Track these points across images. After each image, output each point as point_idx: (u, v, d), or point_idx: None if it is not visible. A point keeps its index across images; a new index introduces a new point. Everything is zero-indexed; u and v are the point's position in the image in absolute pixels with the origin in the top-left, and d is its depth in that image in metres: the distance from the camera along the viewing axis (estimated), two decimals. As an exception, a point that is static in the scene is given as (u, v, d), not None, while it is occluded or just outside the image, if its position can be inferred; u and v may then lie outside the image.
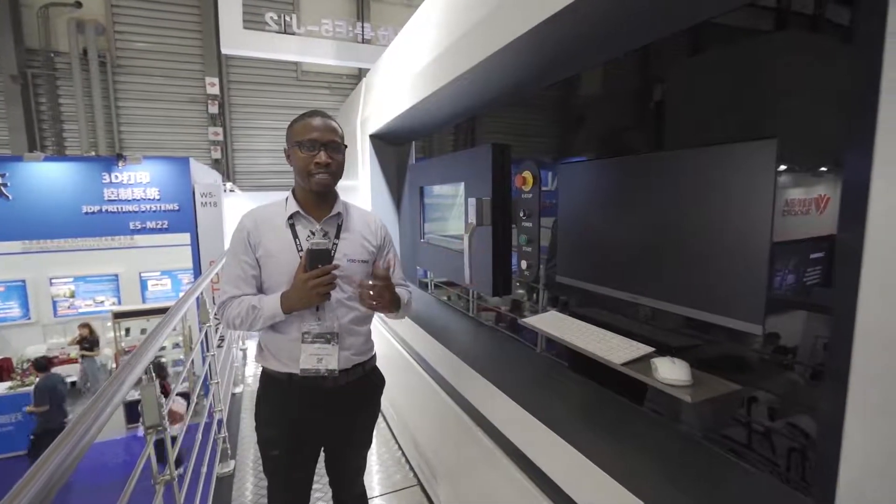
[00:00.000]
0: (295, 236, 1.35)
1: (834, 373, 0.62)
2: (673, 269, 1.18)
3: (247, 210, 1.42)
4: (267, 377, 1.41)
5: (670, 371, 1.12)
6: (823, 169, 1.11)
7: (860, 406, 0.59)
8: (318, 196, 1.37)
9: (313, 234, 1.35)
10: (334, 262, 1.31)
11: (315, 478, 1.52)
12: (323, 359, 1.33)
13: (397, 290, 1.43)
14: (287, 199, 1.40)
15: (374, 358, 1.52)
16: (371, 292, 1.32)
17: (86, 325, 6.40)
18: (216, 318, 2.57)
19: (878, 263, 0.57)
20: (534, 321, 1.67)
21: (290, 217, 1.37)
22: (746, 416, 1.18)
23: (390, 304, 1.35)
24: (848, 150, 0.60)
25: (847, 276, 0.60)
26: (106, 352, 6.87)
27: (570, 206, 1.62)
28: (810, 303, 1.11)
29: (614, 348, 1.31)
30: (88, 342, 6.32)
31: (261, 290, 1.37)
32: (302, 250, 1.33)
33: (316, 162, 1.30)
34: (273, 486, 1.45)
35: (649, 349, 1.26)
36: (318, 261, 1.27)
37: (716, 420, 1.22)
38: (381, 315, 1.53)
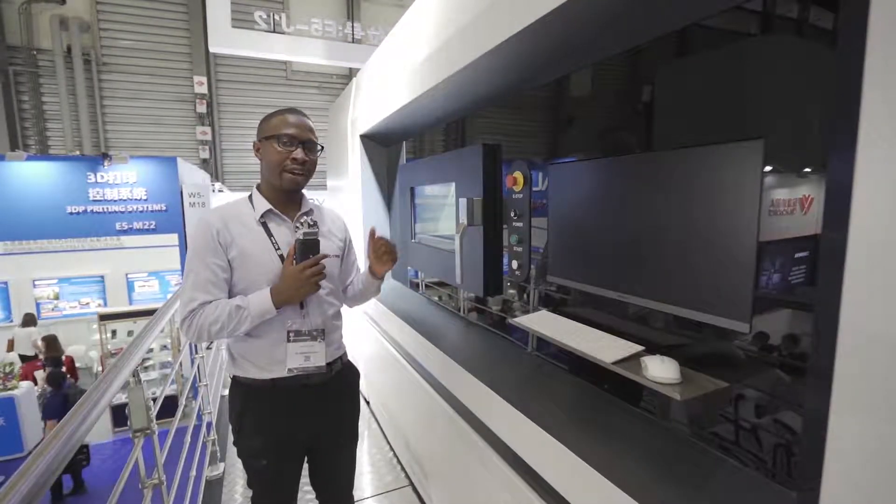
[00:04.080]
0: (269, 235, 1.32)
1: (818, 369, 0.63)
2: (661, 268, 1.19)
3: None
4: (245, 387, 1.33)
5: (660, 369, 1.13)
6: (808, 170, 1.14)
7: (844, 402, 0.61)
8: (287, 194, 1.35)
9: (301, 224, 1.31)
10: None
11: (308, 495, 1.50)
12: (310, 356, 1.32)
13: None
14: (251, 196, 1.35)
15: (346, 351, 1.54)
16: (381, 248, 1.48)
17: (48, 339, 5.92)
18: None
19: (861, 261, 0.58)
20: (524, 320, 1.68)
21: (262, 216, 1.33)
22: (734, 413, 1.20)
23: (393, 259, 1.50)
24: (831, 151, 0.62)
25: (831, 274, 0.61)
26: (91, 354, 6.76)
27: (560, 205, 1.63)
28: (795, 301, 1.13)
29: (604, 347, 1.32)
30: (52, 360, 5.83)
31: (230, 294, 1.29)
32: (278, 249, 1.31)
33: (293, 158, 1.28)
34: (260, 496, 1.41)
35: (639, 348, 1.27)
36: (309, 250, 1.26)
37: (704, 417, 1.24)
38: (369, 308, 1.55)
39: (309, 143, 1.32)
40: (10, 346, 6.17)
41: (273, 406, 1.34)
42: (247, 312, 1.22)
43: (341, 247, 1.49)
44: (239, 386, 1.35)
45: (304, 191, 1.42)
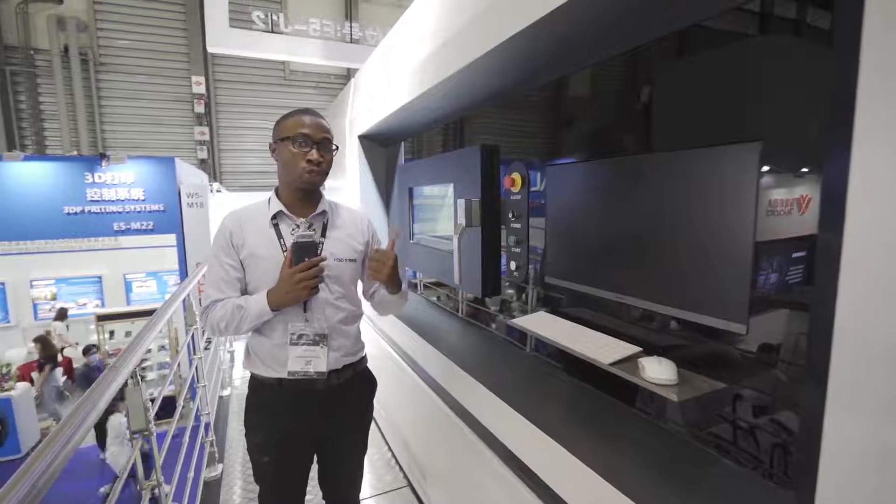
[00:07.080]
0: (279, 236, 1.33)
1: (814, 370, 0.64)
2: (659, 269, 1.20)
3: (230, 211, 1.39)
4: (256, 382, 1.38)
5: (657, 370, 1.14)
6: (805, 170, 1.14)
7: (840, 401, 0.61)
8: (303, 194, 1.35)
9: (298, 226, 1.33)
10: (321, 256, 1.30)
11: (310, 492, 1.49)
12: (311, 361, 1.31)
13: None
14: (270, 198, 1.37)
15: (364, 359, 1.51)
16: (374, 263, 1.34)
17: (40, 340, 5.85)
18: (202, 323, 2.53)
19: (857, 262, 0.58)
20: (523, 321, 1.68)
21: (274, 217, 1.34)
22: (731, 413, 1.20)
23: (392, 276, 1.35)
24: (827, 151, 0.62)
25: (826, 275, 0.61)
26: (89, 355, 6.72)
27: (558, 207, 1.63)
28: (792, 301, 1.14)
29: (602, 348, 1.33)
30: (48, 360, 5.79)
31: (245, 292, 1.34)
32: (286, 251, 1.31)
33: (308, 159, 1.28)
34: (264, 493, 1.42)
35: (637, 349, 1.28)
36: (305, 254, 1.25)
37: (701, 417, 1.24)
38: (366, 308, 1.53)
39: (324, 143, 1.32)
40: None
41: (277, 405, 1.35)
42: (246, 313, 1.26)
43: (360, 249, 1.43)
44: (252, 381, 1.39)
45: (322, 191, 1.43)
